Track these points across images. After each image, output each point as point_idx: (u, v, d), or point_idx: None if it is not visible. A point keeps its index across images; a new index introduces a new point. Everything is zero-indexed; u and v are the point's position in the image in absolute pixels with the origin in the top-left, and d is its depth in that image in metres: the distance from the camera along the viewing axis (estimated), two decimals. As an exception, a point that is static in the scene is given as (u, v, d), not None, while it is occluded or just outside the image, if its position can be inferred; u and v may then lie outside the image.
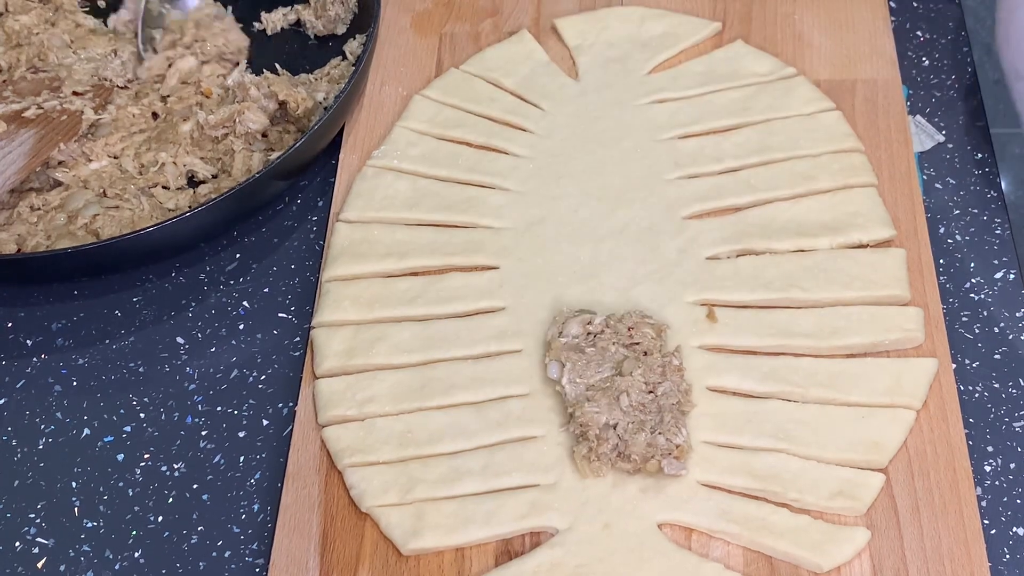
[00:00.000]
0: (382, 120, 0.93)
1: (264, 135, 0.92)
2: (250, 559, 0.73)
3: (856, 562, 0.69)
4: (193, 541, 0.74)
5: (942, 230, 0.85)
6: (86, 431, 0.79)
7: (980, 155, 0.90)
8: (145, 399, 0.80)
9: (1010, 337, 0.79)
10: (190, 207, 0.88)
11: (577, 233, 0.84)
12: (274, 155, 0.88)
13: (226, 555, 0.73)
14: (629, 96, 0.92)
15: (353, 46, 0.97)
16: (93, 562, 0.73)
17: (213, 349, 0.83)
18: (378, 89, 0.95)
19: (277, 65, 0.97)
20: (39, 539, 0.75)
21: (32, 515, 0.76)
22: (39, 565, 0.74)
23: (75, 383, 0.82)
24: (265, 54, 1.00)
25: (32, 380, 0.82)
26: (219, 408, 0.80)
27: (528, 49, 0.96)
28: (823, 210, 0.84)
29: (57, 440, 0.79)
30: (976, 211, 0.86)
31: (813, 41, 0.95)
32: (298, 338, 0.83)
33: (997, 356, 0.79)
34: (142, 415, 0.80)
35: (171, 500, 0.76)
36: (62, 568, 0.73)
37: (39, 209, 0.88)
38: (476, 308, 0.81)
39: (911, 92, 0.93)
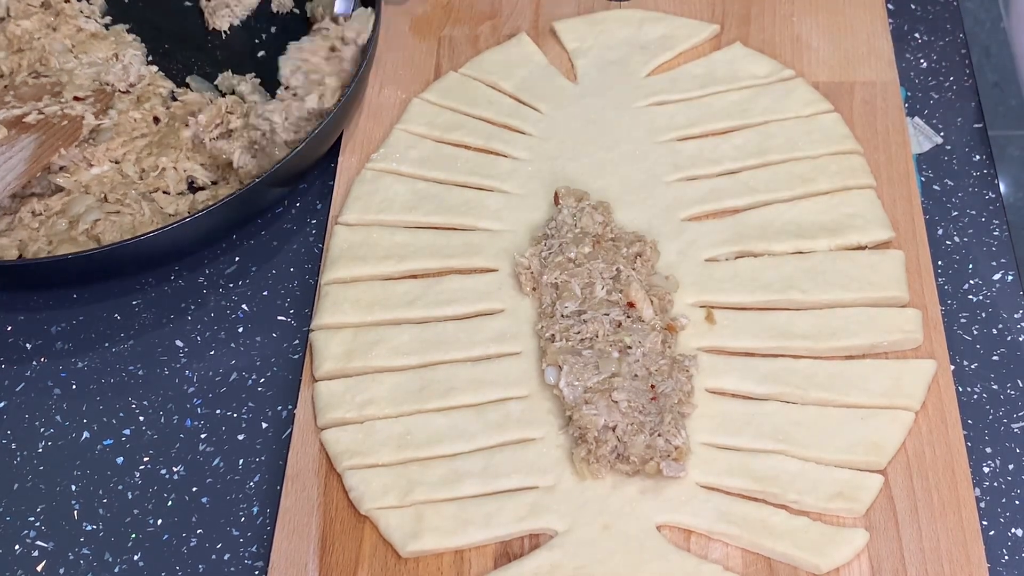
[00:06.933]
0: (381, 123, 0.93)
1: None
2: (249, 562, 0.73)
3: (855, 563, 0.69)
4: (192, 544, 0.74)
5: (940, 232, 0.85)
6: (85, 434, 0.79)
7: (978, 157, 0.89)
8: (144, 402, 0.81)
9: (1008, 338, 0.79)
10: (189, 212, 0.88)
11: (576, 235, 0.84)
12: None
13: (225, 558, 0.73)
14: (628, 99, 0.92)
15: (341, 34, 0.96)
16: (92, 565, 0.73)
17: (212, 352, 0.83)
18: (377, 92, 0.95)
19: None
20: (39, 542, 0.75)
21: (32, 518, 0.76)
22: (39, 568, 0.74)
23: (74, 386, 0.82)
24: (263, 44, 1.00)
25: (32, 383, 0.82)
26: (218, 411, 0.80)
27: (527, 52, 0.96)
28: (822, 212, 0.84)
29: (56, 443, 0.79)
30: (974, 213, 0.86)
31: (812, 43, 0.95)
32: (297, 341, 0.83)
33: (996, 357, 0.79)
34: (141, 418, 0.80)
35: (170, 503, 0.76)
36: (61, 571, 0.73)
37: (40, 214, 0.88)
38: (475, 310, 0.81)
39: (909, 94, 0.93)
